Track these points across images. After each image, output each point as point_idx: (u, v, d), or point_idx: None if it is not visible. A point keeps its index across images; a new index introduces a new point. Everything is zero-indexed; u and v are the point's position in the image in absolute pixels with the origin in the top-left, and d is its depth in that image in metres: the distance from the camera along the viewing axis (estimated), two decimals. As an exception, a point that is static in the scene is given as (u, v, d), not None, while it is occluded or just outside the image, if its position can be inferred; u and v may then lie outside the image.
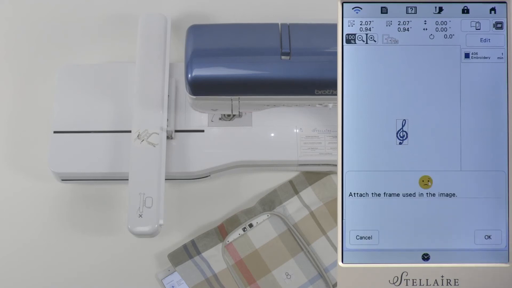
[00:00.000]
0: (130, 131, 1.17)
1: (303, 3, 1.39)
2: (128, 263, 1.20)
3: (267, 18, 1.09)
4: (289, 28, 1.04)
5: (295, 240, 1.18)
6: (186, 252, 1.18)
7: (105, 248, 1.21)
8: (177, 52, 1.25)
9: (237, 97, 1.06)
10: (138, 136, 1.16)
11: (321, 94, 1.03)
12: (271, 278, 1.17)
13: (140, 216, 1.10)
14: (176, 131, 1.22)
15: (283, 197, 1.23)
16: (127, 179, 1.14)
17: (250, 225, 1.20)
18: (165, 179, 1.15)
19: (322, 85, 1.02)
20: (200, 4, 1.39)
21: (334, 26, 1.04)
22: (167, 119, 1.19)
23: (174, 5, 1.38)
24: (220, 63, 1.02)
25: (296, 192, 1.23)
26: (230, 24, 1.07)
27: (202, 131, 1.23)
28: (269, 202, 1.22)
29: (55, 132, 1.20)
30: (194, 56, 1.01)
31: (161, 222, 1.11)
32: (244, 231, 1.20)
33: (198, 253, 1.18)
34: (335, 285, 1.16)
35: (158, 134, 1.16)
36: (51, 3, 1.39)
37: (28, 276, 1.20)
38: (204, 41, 1.03)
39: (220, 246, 1.18)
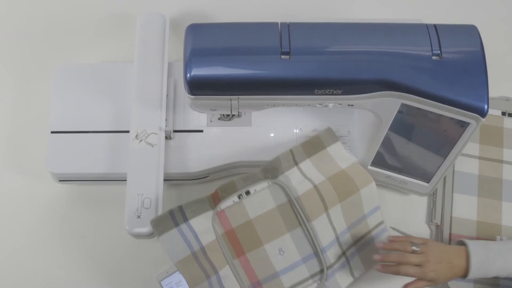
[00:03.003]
0: (128, 131, 1.17)
1: (303, 2, 1.39)
2: (126, 264, 1.20)
3: (266, 17, 1.09)
4: (289, 27, 1.04)
5: (295, 214, 1.12)
6: (172, 219, 1.10)
7: (103, 250, 1.21)
8: (176, 51, 1.25)
9: (236, 97, 1.05)
10: (136, 137, 1.15)
11: (321, 94, 1.03)
12: (262, 252, 1.11)
13: (139, 217, 1.11)
14: (175, 131, 1.21)
15: (285, 166, 1.16)
16: (125, 180, 1.14)
17: (247, 193, 1.13)
18: (164, 180, 1.16)
19: (322, 84, 1.02)
20: (199, 3, 1.39)
21: (335, 25, 1.05)
22: (166, 119, 1.19)
23: (172, 4, 1.38)
24: (219, 63, 1.02)
25: (296, 163, 1.18)
26: (229, 23, 1.06)
27: (201, 131, 1.23)
28: (272, 170, 1.15)
29: (52, 132, 1.20)
30: (193, 56, 1.01)
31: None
32: (239, 198, 1.12)
33: (185, 220, 1.10)
34: (329, 267, 1.13)
35: (157, 134, 1.16)
36: (48, 2, 1.39)
37: (26, 277, 1.19)
38: (203, 40, 1.03)
39: (210, 214, 1.11)
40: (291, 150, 1.18)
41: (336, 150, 1.20)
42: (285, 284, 1.12)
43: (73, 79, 1.25)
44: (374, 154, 1.16)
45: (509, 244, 1.09)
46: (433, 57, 1.01)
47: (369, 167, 1.19)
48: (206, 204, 1.12)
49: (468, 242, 1.08)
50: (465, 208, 1.22)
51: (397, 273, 1.04)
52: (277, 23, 1.04)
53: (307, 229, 1.12)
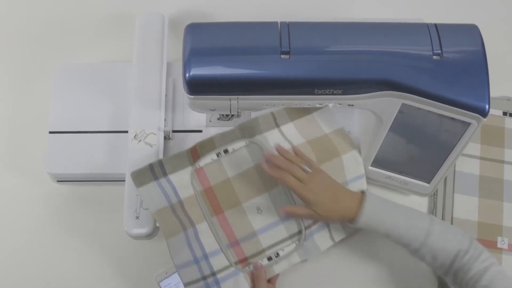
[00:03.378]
0: (127, 132, 1.17)
1: (303, 2, 1.39)
2: (125, 265, 1.20)
3: (266, 16, 1.08)
4: (288, 27, 1.03)
5: None
6: (152, 172, 1.11)
7: (102, 250, 1.21)
8: (175, 51, 1.25)
9: (236, 96, 1.05)
10: (135, 137, 1.15)
11: (321, 94, 1.03)
12: (241, 210, 1.12)
13: (137, 217, 1.10)
14: (174, 131, 1.21)
15: (264, 127, 1.17)
16: (124, 180, 1.13)
17: (225, 151, 1.14)
18: (163, 180, 1.15)
19: (322, 84, 1.02)
20: (198, 2, 1.39)
21: (335, 25, 1.05)
22: (165, 119, 1.18)
23: (171, 4, 1.37)
24: (218, 62, 1.01)
25: (277, 125, 1.18)
26: (228, 22, 1.06)
27: (200, 131, 1.22)
28: (249, 129, 1.16)
29: (50, 132, 1.20)
30: (192, 55, 1.01)
31: (158, 224, 1.11)
32: (218, 156, 1.14)
33: (165, 174, 1.11)
34: (307, 227, 1.14)
35: (156, 134, 1.16)
36: (47, 2, 1.39)
37: (24, 278, 1.19)
38: (202, 40, 1.03)
39: (189, 169, 1.12)
40: (272, 113, 1.18)
41: (323, 116, 1.21)
42: (263, 244, 1.13)
43: (71, 79, 1.24)
44: (375, 155, 1.15)
45: (406, 207, 1.08)
46: (434, 57, 1.00)
47: (370, 167, 1.19)
48: (185, 160, 1.13)
49: (367, 191, 1.09)
50: (466, 208, 1.22)
51: (278, 177, 1.06)
52: (276, 23, 1.04)
53: (285, 189, 1.13)
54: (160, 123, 1.17)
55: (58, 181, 1.22)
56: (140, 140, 1.15)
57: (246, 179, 1.14)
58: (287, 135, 1.17)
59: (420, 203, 1.25)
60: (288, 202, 1.14)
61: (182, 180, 1.12)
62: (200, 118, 1.22)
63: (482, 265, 0.99)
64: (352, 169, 1.18)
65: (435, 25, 1.04)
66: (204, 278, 1.09)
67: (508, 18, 1.39)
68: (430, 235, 1.03)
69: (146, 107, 1.17)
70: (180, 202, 1.11)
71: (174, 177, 1.12)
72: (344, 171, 1.17)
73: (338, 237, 1.16)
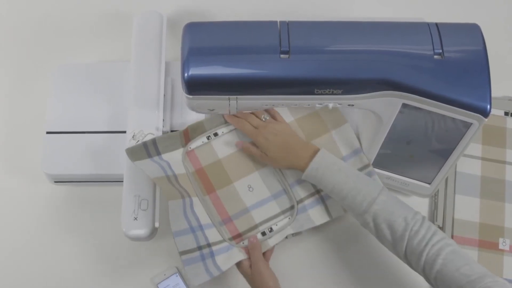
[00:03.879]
0: (125, 132, 1.17)
1: (303, 1, 1.39)
2: (123, 267, 1.20)
3: (265, 15, 1.09)
4: (288, 26, 1.03)
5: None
6: (146, 150, 1.14)
7: (99, 252, 1.21)
8: (173, 50, 1.24)
9: (235, 96, 1.05)
10: (133, 137, 1.15)
11: (321, 94, 1.03)
12: (232, 189, 1.16)
13: (135, 219, 1.10)
14: (172, 131, 1.21)
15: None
16: (122, 181, 1.13)
17: (215, 134, 1.18)
18: (161, 181, 1.15)
19: (322, 84, 1.02)
20: (197, 1, 1.38)
21: (335, 24, 1.05)
22: (163, 119, 1.18)
23: (170, 3, 1.37)
24: (217, 62, 1.01)
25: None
26: (227, 21, 1.06)
27: (199, 131, 1.22)
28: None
29: (48, 132, 1.20)
30: (191, 55, 1.01)
31: (156, 225, 1.11)
32: (208, 139, 1.18)
33: (158, 153, 1.15)
34: (299, 201, 1.16)
35: (154, 134, 1.15)
36: (45, 1, 1.39)
37: (22, 279, 1.19)
38: (201, 39, 1.03)
39: (181, 151, 1.17)
40: None
41: None
42: (256, 219, 1.16)
43: (69, 79, 1.24)
44: (375, 155, 1.15)
45: (361, 174, 1.09)
46: (435, 56, 1.00)
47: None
48: (178, 141, 1.17)
49: (322, 149, 1.11)
50: (467, 209, 1.22)
51: (235, 124, 1.16)
52: (276, 22, 1.04)
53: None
54: (159, 123, 1.16)
55: (55, 182, 1.21)
56: (138, 141, 1.14)
57: (236, 160, 1.18)
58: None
59: (421, 204, 1.24)
60: (278, 180, 1.17)
61: (174, 159, 1.15)
62: (199, 118, 1.22)
63: (434, 248, 0.96)
64: (347, 143, 1.19)
65: (436, 24, 1.03)
66: (199, 248, 1.10)
67: (510, 17, 1.39)
68: (374, 204, 1.03)
69: (144, 107, 1.17)
70: (175, 176, 1.13)
71: (167, 156, 1.15)
72: (339, 147, 1.19)
73: (335, 213, 1.17)
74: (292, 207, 1.16)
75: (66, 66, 1.26)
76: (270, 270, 1.11)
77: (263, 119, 1.14)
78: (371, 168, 1.18)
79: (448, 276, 0.94)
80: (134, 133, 1.15)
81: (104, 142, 1.19)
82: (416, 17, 1.10)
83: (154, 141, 1.14)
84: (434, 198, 1.24)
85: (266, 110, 1.17)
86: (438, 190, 1.23)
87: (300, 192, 1.17)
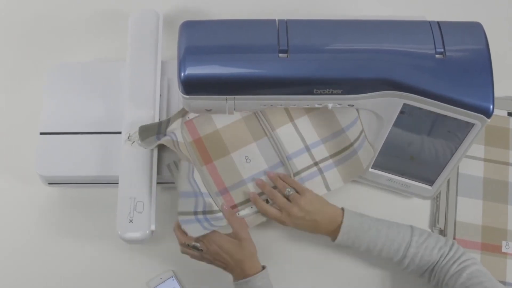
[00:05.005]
0: (120, 132, 1.17)
1: (302, -1, 1.39)
2: (118, 270, 1.20)
3: (264, 14, 1.08)
4: (287, 25, 1.03)
5: (260, 124, 1.19)
6: (158, 128, 1.17)
7: (94, 255, 1.20)
8: (170, 49, 1.24)
9: (232, 96, 1.05)
10: (128, 138, 1.15)
11: (321, 94, 1.02)
12: (229, 160, 1.18)
13: (131, 221, 1.10)
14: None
15: None
16: (117, 183, 1.13)
17: None
18: (157, 183, 1.15)
19: (322, 84, 1.01)
20: (194, -1, 1.39)
21: (334, 22, 1.05)
22: (159, 120, 1.17)
23: (166, 1, 1.37)
24: (214, 61, 1.01)
25: None
26: (225, 20, 1.06)
27: (196, 132, 1.22)
28: None
29: (41, 133, 1.19)
30: (187, 54, 1.00)
31: (152, 227, 1.11)
32: (207, 110, 1.17)
33: (165, 130, 1.18)
34: (296, 173, 1.18)
35: (150, 135, 1.15)
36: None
37: (14, 283, 1.19)
38: (198, 38, 1.02)
39: (179, 121, 1.18)
40: None
41: None
42: (251, 190, 1.18)
43: (63, 78, 1.24)
44: (376, 156, 1.15)
45: (383, 220, 1.12)
46: (437, 56, 1.00)
47: (371, 169, 1.19)
48: (179, 113, 1.19)
49: (346, 209, 1.13)
50: (469, 212, 1.21)
51: (258, 206, 1.15)
52: (274, 20, 1.04)
53: (272, 138, 1.18)
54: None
55: (49, 183, 1.21)
56: (134, 142, 1.14)
57: (234, 130, 1.19)
58: None
59: (423, 206, 1.24)
60: (276, 152, 1.18)
61: (175, 129, 1.17)
62: (195, 119, 1.22)
63: (461, 265, 1.05)
64: (345, 115, 1.19)
65: (438, 23, 1.03)
66: (196, 213, 1.12)
67: (512, 16, 1.40)
68: (410, 247, 1.08)
69: (140, 107, 1.17)
70: (177, 142, 1.15)
71: (170, 128, 1.18)
72: (338, 119, 1.19)
73: (334, 185, 1.19)
74: None
75: (60, 65, 1.26)
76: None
77: (287, 193, 1.14)
78: (363, 134, 1.19)
79: None
80: (130, 134, 1.15)
81: (99, 143, 1.19)
82: (417, 15, 1.10)
83: (169, 120, 1.17)
84: (435, 200, 1.24)
85: (285, 180, 1.16)
86: (440, 192, 1.23)
87: (297, 164, 1.18)
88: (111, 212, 1.19)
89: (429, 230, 1.13)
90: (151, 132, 1.16)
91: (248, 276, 1.07)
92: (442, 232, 1.22)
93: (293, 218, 1.12)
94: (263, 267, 1.10)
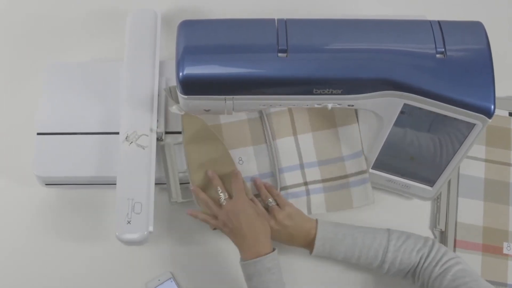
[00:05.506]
0: (118, 133, 1.16)
1: (301, -2, 1.39)
2: (116, 272, 1.19)
3: (263, 13, 1.08)
4: (286, 24, 1.03)
5: (263, 129, 1.20)
6: (170, 94, 1.17)
7: (92, 256, 1.20)
8: (168, 49, 1.25)
9: (231, 97, 1.05)
10: (126, 138, 1.15)
11: (320, 94, 1.02)
12: None
13: (129, 222, 1.09)
14: (167, 132, 1.21)
15: None
16: (115, 184, 1.13)
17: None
18: (155, 184, 1.14)
19: (321, 84, 1.01)
20: (192, -2, 1.39)
21: (334, 22, 1.05)
22: (157, 120, 1.18)
23: (164, 0, 1.37)
24: (213, 61, 1.01)
25: None
26: (223, 19, 1.06)
27: (195, 132, 1.22)
28: None
29: (38, 134, 1.19)
30: (186, 54, 1.00)
31: (150, 229, 1.10)
32: (205, 110, 1.18)
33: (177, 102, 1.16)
34: (283, 188, 1.18)
35: (148, 136, 1.15)
36: (36, -2, 1.39)
37: (12, 283, 1.19)
38: (197, 37, 1.02)
39: None
40: None
41: None
42: None
43: (60, 79, 1.24)
44: (376, 157, 1.15)
45: (359, 227, 1.13)
46: (437, 55, 1.00)
47: (370, 170, 1.18)
48: None
49: (320, 220, 1.14)
50: (470, 213, 1.21)
51: None
52: (274, 20, 1.04)
53: (271, 146, 1.19)
54: (153, 124, 1.16)
55: (46, 184, 1.21)
56: (132, 142, 1.14)
57: (236, 129, 1.20)
58: None
59: (423, 207, 1.24)
60: (270, 161, 1.19)
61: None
62: (194, 119, 1.22)
63: (443, 267, 1.04)
64: (350, 144, 1.20)
65: (439, 22, 1.03)
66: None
67: (514, 15, 1.39)
68: (388, 252, 1.08)
69: (138, 107, 1.16)
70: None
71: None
72: (341, 145, 1.20)
73: (316, 210, 1.19)
74: None
75: (57, 65, 1.26)
76: None
77: (268, 203, 1.15)
78: (366, 175, 1.19)
79: None
80: (128, 134, 1.15)
81: (96, 144, 1.18)
82: (418, 14, 1.10)
83: (175, 88, 1.16)
84: (436, 201, 1.24)
85: (270, 191, 1.17)
86: (440, 193, 1.23)
87: (287, 179, 1.18)
88: (108, 213, 1.19)
89: (409, 231, 1.12)
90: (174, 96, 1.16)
91: (259, 256, 1.05)
92: (443, 234, 1.21)
93: (273, 232, 1.12)
94: (274, 249, 1.09)
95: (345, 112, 1.21)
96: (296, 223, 1.12)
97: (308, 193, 1.19)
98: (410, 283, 1.11)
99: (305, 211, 1.18)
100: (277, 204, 1.15)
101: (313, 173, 1.20)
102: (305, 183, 1.19)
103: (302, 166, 1.20)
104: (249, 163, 1.19)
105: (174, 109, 1.13)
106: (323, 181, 1.20)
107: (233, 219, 1.08)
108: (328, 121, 1.21)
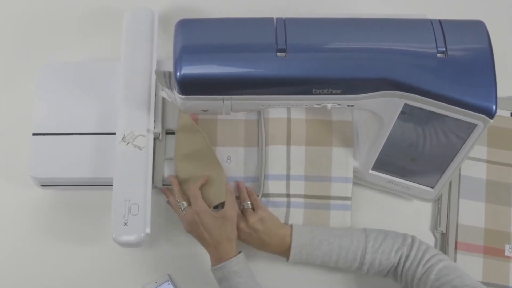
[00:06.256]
0: (114, 133, 1.16)
1: (300, -3, 1.39)
2: (113, 274, 1.19)
3: (261, 12, 1.08)
4: (285, 23, 1.03)
5: (258, 133, 1.20)
6: (164, 78, 1.15)
7: (88, 258, 1.20)
8: (165, 48, 1.24)
9: (229, 96, 1.04)
10: (123, 139, 1.14)
11: (319, 94, 1.02)
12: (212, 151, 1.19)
13: (125, 224, 1.09)
14: (168, 133, 1.21)
15: None
16: (112, 185, 1.13)
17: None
18: (152, 185, 1.14)
19: (321, 84, 1.01)
20: (190, -3, 1.38)
21: (333, 21, 1.05)
22: (154, 120, 1.18)
23: (162, -2, 1.37)
24: (211, 61, 1.01)
25: None
26: (221, 18, 1.05)
27: (192, 133, 1.22)
28: None
29: (34, 134, 1.19)
30: (183, 53, 1.00)
31: (147, 230, 1.10)
32: (203, 110, 1.18)
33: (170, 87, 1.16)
34: (265, 194, 1.18)
35: (145, 136, 1.15)
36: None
37: (7, 286, 1.18)
38: (194, 36, 1.02)
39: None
40: None
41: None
42: None
43: (56, 78, 1.23)
44: (376, 158, 1.15)
45: (336, 230, 1.13)
46: (438, 55, 1.00)
47: (370, 171, 1.18)
48: None
49: (294, 226, 1.14)
50: (472, 215, 1.21)
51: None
52: (272, 19, 1.04)
53: (262, 151, 1.19)
54: (150, 124, 1.16)
55: (42, 185, 1.21)
56: (129, 143, 1.14)
57: (231, 127, 1.21)
58: (292, 108, 1.21)
59: (424, 209, 1.24)
60: (258, 166, 1.19)
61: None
62: (191, 120, 1.22)
63: (426, 266, 1.05)
64: (341, 167, 1.20)
65: (440, 21, 1.03)
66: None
67: (516, 14, 1.39)
68: (366, 254, 1.09)
69: (134, 107, 1.16)
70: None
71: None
72: (332, 166, 1.19)
73: (292, 221, 1.18)
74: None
75: (53, 64, 1.25)
76: None
77: (244, 206, 1.15)
78: (349, 202, 1.19)
79: None
80: (124, 134, 1.14)
81: (93, 144, 1.18)
82: (418, 13, 1.10)
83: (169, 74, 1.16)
84: (437, 202, 1.24)
85: (249, 195, 1.17)
86: (441, 195, 1.23)
87: (270, 187, 1.18)
88: (105, 215, 1.19)
89: (390, 230, 1.14)
90: (161, 79, 1.15)
91: (223, 261, 1.08)
92: (444, 236, 1.21)
93: (239, 232, 1.13)
94: (239, 252, 1.11)
95: (344, 131, 1.20)
96: (267, 228, 1.13)
97: (289, 205, 1.19)
98: (392, 282, 1.12)
99: (282, 221, 1.17)
100: (252, 208, 1.15)
101: (298, 187, 1.19)
102: (288, 195, 1.19)
103: (288, 177, 1.19)
104: (237, 163, 1.20)
105: (164, 94, 1.14)
106: (306, 196, 1.19)
107: (194, 227, 1.11)
108: (325, 138, 1.20)
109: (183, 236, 1.20)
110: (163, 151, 1.19)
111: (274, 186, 1.18)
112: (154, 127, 1.17)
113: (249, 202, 1.15)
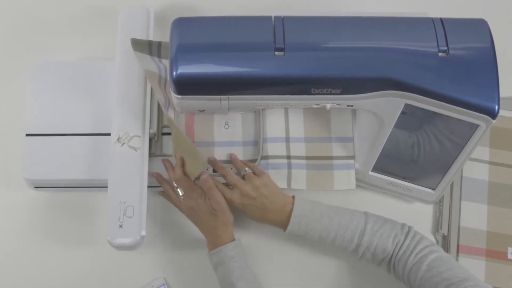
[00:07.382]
0: (109, 134, 1.16)
1: (299, -5, 1.39)
2: (108, 277, 1.19)
3: (259, 10, 1.08)
4: (283, 22, 1.03)
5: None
6: (148, 47, 1.18)
7: (83, 261, 1.20)
8: (161, 47, 1.24)
9: (227, 96, 1.04)
10: (118, 140, 1.14)
11: (318, 94, 1.02)
12: (210, 118, 1.21)
13: (121, 226, 1.09)
14: (163, 133, 1.21)
15: None
16: (106, 187, 1.12)
17: None
18: (148, 187, 1.14)
19: (320, 83, 1.01)
20: (186, -5, 1.38)
21: (333, 19, 1.04)
22: (150, 121, 1.18)
23: (158, -4, 1.37)
24: (208, 60, 1.01)
25: None
26: (218, 17, 1.05)
27: (190, 133, 1.22)
28: None
29: (27, 135, 1.19)
30: (180, 52, 1.00)
31: (143, 233, 1.10)
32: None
33: (159, 56, 1.18)
34: (264, 157, 1.18)
35: (140, 137, 1.15)
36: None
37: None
38: (191, 35, 1.02)
39: None
40: None
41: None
42: (216, 156, 1.20)
43: (50, 78, 1.23)
44: (376, 159, 1.15)
45: (337, 207, 1.13)
46: (440, 54, 1.00)
47: (371, 172, 1.18)
48: None
49: (297, 196, 1.14)
50: (474, 217, 1.21)
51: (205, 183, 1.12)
52: (270, 17, 1.03)
53: (259, 115, 1.20)
54: (145, 125, 1.16)
55: (36, 187, 1.21)
56: (124, 144, 1.14)
57: None
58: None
59: (425, 211, 1.24)
60: (255, 130, 1.20)
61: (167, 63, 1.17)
62: (187, 121, 1.22)
63: (418, 256, 1.04)
64: (341, 127, 1.21)
65: (441, 19, 1.03)
66: None
67: (518, 13, 1.39)
68: (364, 235, 1.09)
69: (129, 108, 1.16)
70: (166, 80, 1.16)
71: (166, 62, 1.17)
72: (331, 126, 1.21)
73: (295, 185, 1.19)
74: (254, 161, 1.19)
75: (46, 64, 1.25)
76: None
77: (243, 172, 1.15)
78: (352, 161, 1.20)
79: (430, 282, 1.00)
80: (119, 135, 1.14)
81: (87, 145, 1.18)
82: (419, 11, 1.10)
83: (159, 44, 1.18)
84: (438, 205, 1.24)
85: (246, 164, 1.17)
86: (443, 197, 1.23)
87: (269, 150, 1.18)
88: (100, 217, 1.19)
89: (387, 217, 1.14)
90: (143, 49, 1.16)
91: (219, 245, 1.09)
92: (446, 238, 1.21)
93: (244, 197, 1.12)
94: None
95: (344, 145, 1.22)
96: (272, 194, 1.13)
97: (290, 166, 1.19)
98: (385, 271, 1.11)
99: (284, 185, 1.18)
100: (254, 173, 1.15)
101: (298, 149, 1.20)
102: (288, 157, 1.19)
103: (287, 140, 1.20)
104: (234, 129, 1.20)
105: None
106: (307, 158, 1.20)
107: (191, 215, 1.13)
108: (324, 151, 1.21)
109: (179, 239, 1.20)
110: (159, 152, 1.19)
111: (273, 149, 1.19)
112: (150, 128, 1.17)
113: (246, 169, 1.15)
